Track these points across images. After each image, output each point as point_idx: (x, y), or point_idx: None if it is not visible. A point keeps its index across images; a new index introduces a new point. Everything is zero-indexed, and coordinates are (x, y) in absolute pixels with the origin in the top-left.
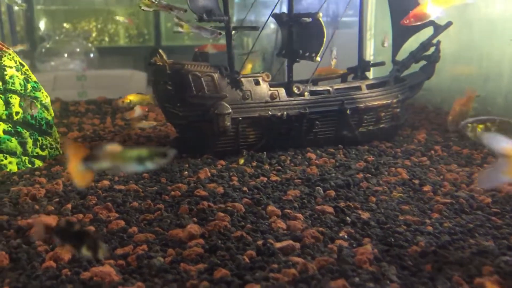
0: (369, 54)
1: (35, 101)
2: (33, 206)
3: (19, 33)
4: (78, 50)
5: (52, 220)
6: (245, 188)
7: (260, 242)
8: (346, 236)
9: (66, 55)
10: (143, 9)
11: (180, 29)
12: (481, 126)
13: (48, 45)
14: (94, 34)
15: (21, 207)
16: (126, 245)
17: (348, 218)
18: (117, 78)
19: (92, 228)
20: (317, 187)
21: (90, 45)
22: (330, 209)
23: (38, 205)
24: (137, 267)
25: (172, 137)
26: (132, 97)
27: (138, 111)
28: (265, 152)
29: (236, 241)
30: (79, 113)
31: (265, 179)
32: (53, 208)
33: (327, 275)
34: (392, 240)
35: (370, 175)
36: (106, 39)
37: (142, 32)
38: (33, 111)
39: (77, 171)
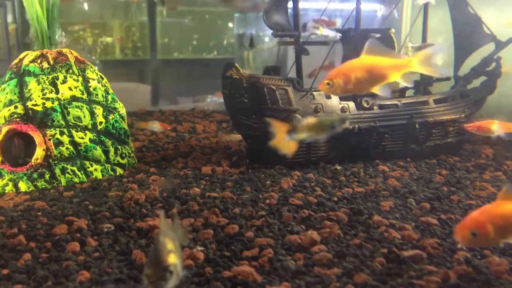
0: None
1: None
2: (140, 210)
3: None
4: None
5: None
6: (335, 198)
7: (384, 250)
8: (465, 248)
9: None
10: None
11: (317, 31)
12: None
13: None
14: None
15: (129, 211)
16: (251, 248)
17: None
18: (122, 90)
19: (210, 231)
20: (408, 199)
21: (94, 58)
22: (435, 221)
23: (144, 209)
24: (272, 269)
25: (245, 148)
26: None
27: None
28: (336, 164)
29: (358, 248)
30: None
31: (350, 190)
32: (159, 212)
33: (471, 283)
34: None
35: (455, 189)
36: (98, 51)
37: (137, 45)
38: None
39: (283, 142)
